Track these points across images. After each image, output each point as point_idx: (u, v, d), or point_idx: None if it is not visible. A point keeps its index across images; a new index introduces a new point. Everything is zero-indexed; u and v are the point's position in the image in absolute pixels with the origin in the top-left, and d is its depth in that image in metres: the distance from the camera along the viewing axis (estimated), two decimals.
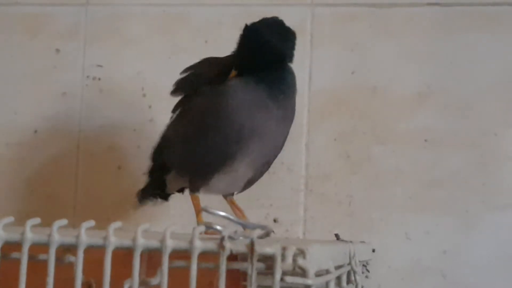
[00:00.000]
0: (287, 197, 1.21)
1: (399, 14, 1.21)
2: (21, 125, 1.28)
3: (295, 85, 0.97)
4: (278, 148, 0.97)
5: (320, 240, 1.04)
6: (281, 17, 1.18)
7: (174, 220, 1.19)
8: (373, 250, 1.15)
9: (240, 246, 0.65)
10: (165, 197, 1.08)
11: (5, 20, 1.30)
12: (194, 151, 0.97)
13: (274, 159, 0.98)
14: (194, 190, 0.99)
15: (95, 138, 1.26)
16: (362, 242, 1.14)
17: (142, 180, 1.14)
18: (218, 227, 0.67)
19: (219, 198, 1.03)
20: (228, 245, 0.64)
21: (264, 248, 0.64)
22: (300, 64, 1.21)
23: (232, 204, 1.03)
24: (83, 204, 1.25)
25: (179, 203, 1.11)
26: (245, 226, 0.72)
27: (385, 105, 1.20)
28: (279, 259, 0.64)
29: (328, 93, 1.21)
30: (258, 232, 0.66)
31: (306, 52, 1.22)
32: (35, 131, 1.28)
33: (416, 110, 1.19)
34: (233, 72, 0.94)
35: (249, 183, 1.00)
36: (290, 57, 0.96)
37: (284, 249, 0.65)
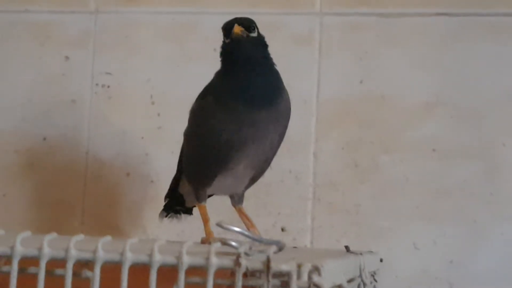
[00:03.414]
0: (295, 205, 1.21)
1: (408, 23, 1.21)
2: (30, 132, 1.28)
3: (280, 82, 0.97)
4: (274, 146, 0.97)
5: (329, 250, 1.04)
6: (290, 26, 1.20)
7: (183, 227, 1.19)
8: (381, 260, 1.15)
9: (256, 263, 0.65)
10: (188, 211, 1.09)
11: (15, 28, 1.31)
12: (194, 157, 0.99)
13: (273, 156, 0.99)
14: (199, 199, 0.99)
15: (103, 145, 1.27)
16: (370, 251, 1.14)
17: (150, 187, 1.15)
18: (234, 244, 0.67)
19: (228, 209, 1.03)
20: (244, 262, 0.65)
21: (280, 265, 0.64)
22: (309, 72, 1.22)
23: (241, 212, 1.03)
24: (91, 211, 1.26)
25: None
26: (259, 242, 0.73)
27: (393, 114, 1.20)
28: (294, 277, 0.64)
29: (336, 102, 1.22)
30: (273, 248, 0.66)
31: (314, 61, 1.23)
32: (44, 138, 1.28)
33: (424, 120, 1.19)
34: None
35: (253, 180, 1.00)
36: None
37: (299, 266, 0.65)
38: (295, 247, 1.13)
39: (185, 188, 1.05)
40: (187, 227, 1.19)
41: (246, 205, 1.03)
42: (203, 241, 0.96)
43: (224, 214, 1.04)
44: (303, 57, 1.23)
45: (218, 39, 1.12)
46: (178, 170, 1.05)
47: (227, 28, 0.96)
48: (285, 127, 0.98)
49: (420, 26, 1.21)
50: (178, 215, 1.09)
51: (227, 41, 0.96)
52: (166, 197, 1.08)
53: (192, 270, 0.67)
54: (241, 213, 1.03)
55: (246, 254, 0.66)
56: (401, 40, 1.21)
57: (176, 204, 1.08)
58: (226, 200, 1.03)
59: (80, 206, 1.26)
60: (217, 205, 1.03)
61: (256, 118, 0.93)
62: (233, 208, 1.03)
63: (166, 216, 1.09)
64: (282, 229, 1.20)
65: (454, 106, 1.18)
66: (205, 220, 0.98)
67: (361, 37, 1.22)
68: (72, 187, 1.26)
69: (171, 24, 1.28)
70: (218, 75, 0.98)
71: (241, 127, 0.93)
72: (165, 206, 1.09)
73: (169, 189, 1.07)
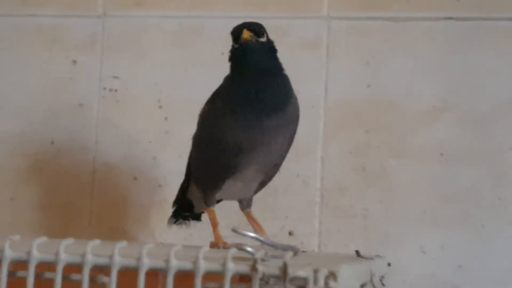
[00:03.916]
0: (302, 209, 1.21)
1: (415, 28, 1.21)
2: (37, 136, 1.28)
3: (289, 87, 0.97)
4: (283, 151, 0.98)
5: (339, 255, 1.05)
6: (298, 30, 1.20)
7: (190, 231, 1.19)
8: (389, 264, 1.15)
9: (272, 269, 0.65)
10: (197, 217, 1.09)
11: (23, 32, 1.31)
12: (203, 162, 0.99)
13: (282, 160, 0.99)
14: (208, 203, 1.00)
15: (111, 149, 1.27)
16: (378, 256, 1.14)
17: (157, 191, 1.15)
18: (250, 249, 0.67)
19: (236, 213, 1.03)
20: (260, 267, 0.65)
21: (297, 271, 0.65)
22: (316, 77, 1.22)
23: (249, 217, 1.03)
24: (99, 214, 1.26)
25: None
26: (275, 247, 0.73)
27: (400, 119, 1.20)
28: (311, 282, 0.64)
29: (344, 106, 1.22)
30: (290, 254, 0.66)
31: (322, 65, 1.23)
32: (52, 142, 1.28)
33: (432, 124, 1.19)
34: None
35: (262, 185, 1.01)
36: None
37: (315, 271, 0.65)
38: (303, 251, 1.13)
39: (194, 194, 1.05)
40: (195, 231, 1.18)
41: (254, 209, 1.03)
42: (212, 245, 0.96)
43: (232, 218, 1.05)
44: (310, 61, 1.23)
45: (225, 43, 1.12)
46: (186, 176, 1.05)
47: (236, 33, 0.96)
48: (294, 132, 0.98)
49: (427, 30, 1.21)
50: (186, 221, 1.09)
51: (236, 46, 0.96)
52: (174, 203, 1.08)
53: (208, 275, 0.67)
54: (250, 217, 1.03)
55: (262, 259, 0.66)
56: (408, 44, 1.21)
57: (184, 210, 1.08)
58: (234, 204, 1.03)
59: (88, 210, 1.26)
60: (225, 209, 1.03)
61: (265, 123, 0.93)
62: (241, 212, 1.03)
63: (175, 223, 1.09)
64: (290, 233, 1.20)
65: (462, 110, 1.19)
66: (214, 224, 0.99)
67: (368, 41, 1.22)
68: (80, 191, 1.26)
69: (179, 28, 1.28)
70: (227, 79, 0.98)
71: (250, 132, 0.93)
72: (173, 212, 1.09)
73: (177, 196, 1.07)
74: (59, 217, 1.27)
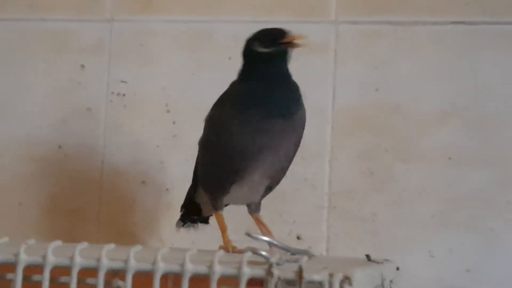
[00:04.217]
0: (310, 213, 1.21)
1: (423, 32, 1.21)
2: (45, 140, 1.28)
3: (298, 93, 0.97)
4: (290, 155, 0.98)
5: (349, 259, 1.04)
6: (305, 34, 1.19)
7: (198, 235, 1.20)
8: (397, 268, 1.15)
9: (288, 273, 0.65)
10: (205, 220, 1.09)
11: (31, 36, 1.31)
12: (210, 166, 0.99)
13: (289, 165, 0.99)
14: (216, 207, 1.00)
15: (119, 153, 1.27)
16: (387, 260, 1.14)
17: (165, 195, 1.15)
18: (265, 253, 0.67)
19: (244, 217, 1.03)
20: (276, 272, 0.65)
21: (313, 275, 0.65)
22: (324, 81, 1.22)
23: (258, 221, 1.03)
24: (107, 219, 1.26)
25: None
26: (289, 251, 0.73)
27: (408, 123, 1.20)
28: (326, 286, 0.64)
29: (352, 110, 1.22)
30: (305, 258, 0.66)
31: (330, 69, 1.23)
32: (60, 146, 1.28)
33: (440, 128, 1.19)
34: None
35: (268, 189, 1.01)
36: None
37: (331, 275, 0.65)
38: (313, 255, 1.13)
39: (202, 198, 1.05)
40: (202, 235, 1.18)
41: (262, 213, 1.03)
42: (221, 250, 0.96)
43: (240, 222, 1.04)
44: (318, 65, 1.23)
45: (233, 47, 1.13)
46: (194, 180, 1.05)
47: (272, 36, 0.96)
48: (300, 137, 0.98)
49: (435, 34, 1.21)
50: (194, 224, 1.09)
51: (265, 50, 0.96)
52: (182, 207, 1.08)
53: (223, 279, 0.67)
54: (258, 221, 1.03)
55: (277, 264, 0.66)
56: (416, 48, 1.21)
57: (192, 213, 1.08)
58: (242, 208, 1.03)
59: (96, 214, 1.26)
60: (233, 213, 1.03)
61: (273, 127, 0.93)
62: (248, 216, 1.03)
63: (182, 226, 1.09)
64: (298, 237, 1.20)
65: (470, 114, 1.19)
66: (223, 229, 0.99)
67: (376, 45, 1.23)
68: (88, 195, 1.26)
69: (186, 32, 1.28)
70: (237, 83, 0.98)
71: (257, 135, 0.93)
72: (182, 215, 1.09)
73: (185, 199, 1.08)
74: (67, 221, 1.27)
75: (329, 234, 1.20)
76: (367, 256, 0.99)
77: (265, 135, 0.93)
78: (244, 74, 0.98)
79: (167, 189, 1.25)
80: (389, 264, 1.12)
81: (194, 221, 1.09)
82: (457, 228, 1.17)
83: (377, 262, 0.95)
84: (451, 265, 1.16)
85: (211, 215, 1.07)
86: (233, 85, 0.98)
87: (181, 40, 1.28)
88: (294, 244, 1.18)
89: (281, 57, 0.97)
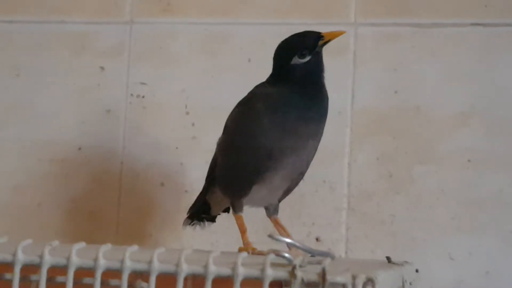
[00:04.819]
0: (329, 215, 1.21)
1: (443, 34, 1.21)
2: (65, 142, 1.29)
3: (327, 98, 0.98)
4: (310, 160, 0.98)
5: (369, 260, 1.04)
6: None
7: (217, 237, 1.20)
8: (417, 270, 1.15)
9: (311, 275, 0.65)
10: (212, 219, 1.09)
11: (51, 38, 1.31)
12: (232, 165, 0.99)
13: (307, 169, 0.99)
14: (236, 209, 0.99)
15: (138, 155, 1.27)
16: (406, 262, 1.14)
17: (184, 197, 1.15)
18: (287, 255, 0.67)
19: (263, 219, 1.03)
20: (299, 273, 0.65)
21: (336, 277, 0.65)
22: (343, 83, 1.22)
23: (276, 223, 1.03)
24: (126, 220, 1.26)
25: (222, 220, 1.11)
26: (311, 253, 0.73)
27: (428, 125, 1.20)
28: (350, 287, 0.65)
29: (371, 112, 1.22)
30: (328, 260, 0.66)
31: (349, 71, 1.23)
32: (79, 148, 1.29)
33: (459, 130, 1.19)
34: None
35: (286, 192, 1.01)
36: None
37: (353, 277, 0.65)
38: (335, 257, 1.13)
39: (214, 198, 1.04)
40: (222, 237, 1.19)
41: (280, 215, 1.03)
42: (241, 251, 0.96)
43: (259, 224, 1.04)
44: (337, 67, 1.22)
45: (252, 49, 1.14)
46: (207, 181, 1.05)
47: (307, 45, 0.97)
48: (319, 141, 0.98)
49: (455, 36, 1.21)
50: (201, 222, 1.09)
51: (302, 60, 0.97)
52: (192, 206, 1.08)
53: (246, 281, 0.67)
54: (277, 223, 1.03)
55: (300, 265, 0.66)
56: (436, 50, 1.21)
57: (201, 212, 1.08)
58: (260, 209, 1.03)
59: (115, 216, 1.26)
60: (252, 214, 1.03)
61: (301, 130, 0.94)
62: (266, 218, 1.03)
63: (190, 224, 1.09)
64: (317, 239, 1.21)
65: (489, 116, 1.18)
66: (243, 230, 0.99)
67: (395, 47, 1.23)
68: (107, 197, 1.27)
69: (206, 34, 1.28)
70: (268, 85, 0.98)
71: (286, 137, 0.93)
72: (191, 214, 1.09)
73: (197, 200, 1.07)
74: (86, 222, 1.27)
75: (348, 236, 1.20)
76: (388, 258, 0.98)
77: (293, 137, 0.94)
78: (276, 77, 0.98)
79: (186, 191, 1.25)
80: (409, 266, 1.11)
81: (201, 220, 1.09)
82: (476, 230, 1.16)
83: (398, 264, 0.94)
84: (471, 268, 1.16)
85: (219, 214, 1.07)
86: (262, 87, 0.98)
87: (200, 42, 1.28)
88: (313, 246, 1.18)
89: (316, 64, 0.97)
